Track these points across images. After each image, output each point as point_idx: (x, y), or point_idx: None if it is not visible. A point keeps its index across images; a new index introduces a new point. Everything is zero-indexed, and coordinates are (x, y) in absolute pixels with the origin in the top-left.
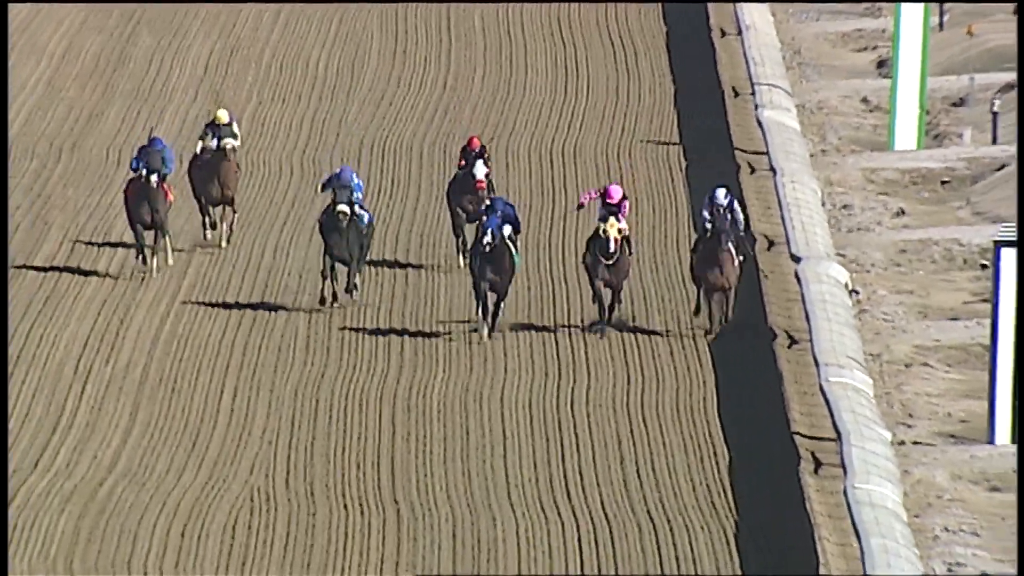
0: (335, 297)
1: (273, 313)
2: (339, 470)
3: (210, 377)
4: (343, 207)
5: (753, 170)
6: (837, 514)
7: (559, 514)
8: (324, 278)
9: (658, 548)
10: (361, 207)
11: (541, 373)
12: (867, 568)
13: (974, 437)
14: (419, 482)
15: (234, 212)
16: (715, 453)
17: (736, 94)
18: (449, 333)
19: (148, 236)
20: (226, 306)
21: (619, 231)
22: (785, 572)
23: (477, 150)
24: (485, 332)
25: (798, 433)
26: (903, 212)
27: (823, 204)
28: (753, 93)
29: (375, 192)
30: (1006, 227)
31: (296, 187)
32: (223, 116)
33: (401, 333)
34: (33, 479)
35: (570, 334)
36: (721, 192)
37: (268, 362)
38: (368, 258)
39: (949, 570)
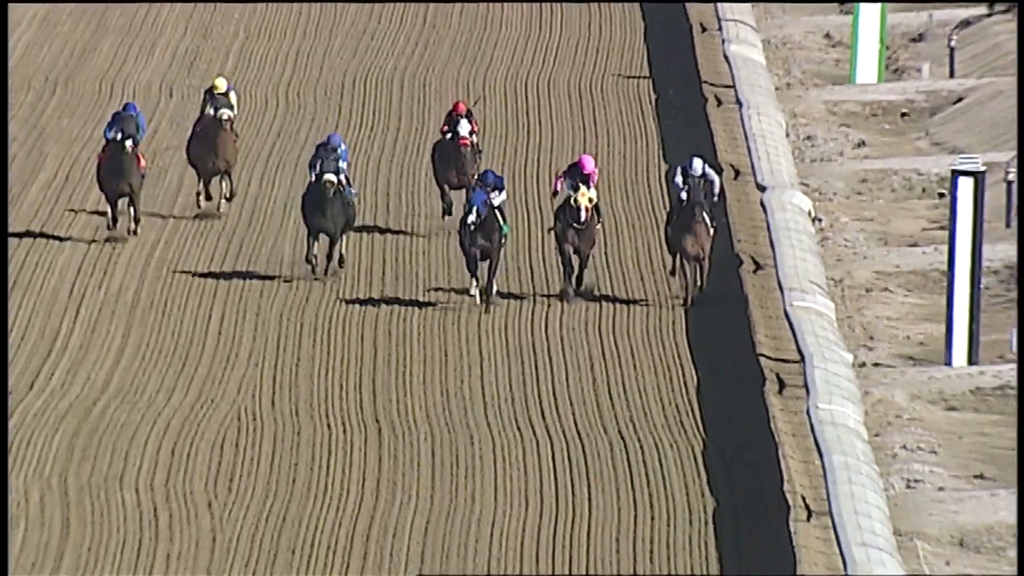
0: (325, 272)
1: (259, 240)
2: (322, 391)
3: (199, 301)
4: (331, 176)
5: (720, 103)
6: (800, 432)
7: (534, 432)
8: (308, 263)
9: (629, 465)
10: (347, 180)
11: (517, 299)
12: (828, 483)
13: (932, 359)
14: (399, 402)
15: (231, 182)
16: (683, 374)
17: (704, 29)
18: (429, 263)
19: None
20: (214, 233)
21: (589, 199)
22: (751, 488)
23: (464, 114)
24: (479, 297)
25: (763, 355)
26: (864, 143)
27: (787, 135)
28: (720, 29)
29: (357, 125)
30: (963, 158)
31: (281, 119)
32: (221, 84)
33: (383, 260)
34: (29, 399)
35: (545, 263)
36: (697, 162)
37: (254, 287)
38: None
39: (908, 486)
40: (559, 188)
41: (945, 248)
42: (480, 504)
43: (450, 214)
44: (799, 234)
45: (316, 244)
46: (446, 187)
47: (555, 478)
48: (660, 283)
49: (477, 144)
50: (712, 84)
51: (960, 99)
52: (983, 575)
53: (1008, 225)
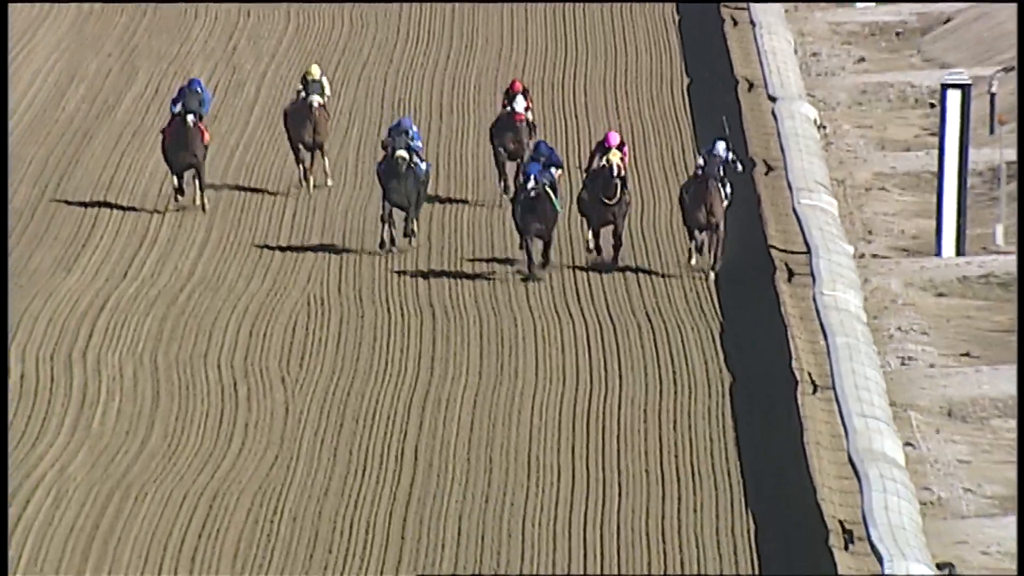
0: (393, 241)
1: (331, 148)
2: (383, 279)
3: (273, 201)
4: (402, 152)
5: (736, 23)
6: (807, 316)
7: (571, 316)
8: (383, 222)
9: (655, 345)
10: (419, 155)
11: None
12: (832, 361)
13: (923, 251)
14: (451, 289)
15: (324, 156)
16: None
17: None
18: (477, 178)
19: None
20: (284, 142)
21: (620, 159)
22: (763, 365)
23: (520, 91)
24: (535, 272)
25: (774, 247)
26: (863, 59)
27: (795, 52)
28: None
29: (410, 42)
30: (952, 72)
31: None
32: (315, 71)
33: (437, 173)
34: (123, 286)
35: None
36: (721, 145)
37: (322, 189)
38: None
39: (902, 363)
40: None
41: (935, 152)
42: (522, 379)
43: (507, 191)
44: (806, 140)
45: (391, 218)
46: (501, 151)
47: (589, 356)
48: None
49: (532, 120)
50: (728, 5)
51: (948, 20)
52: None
53: (992, 132)
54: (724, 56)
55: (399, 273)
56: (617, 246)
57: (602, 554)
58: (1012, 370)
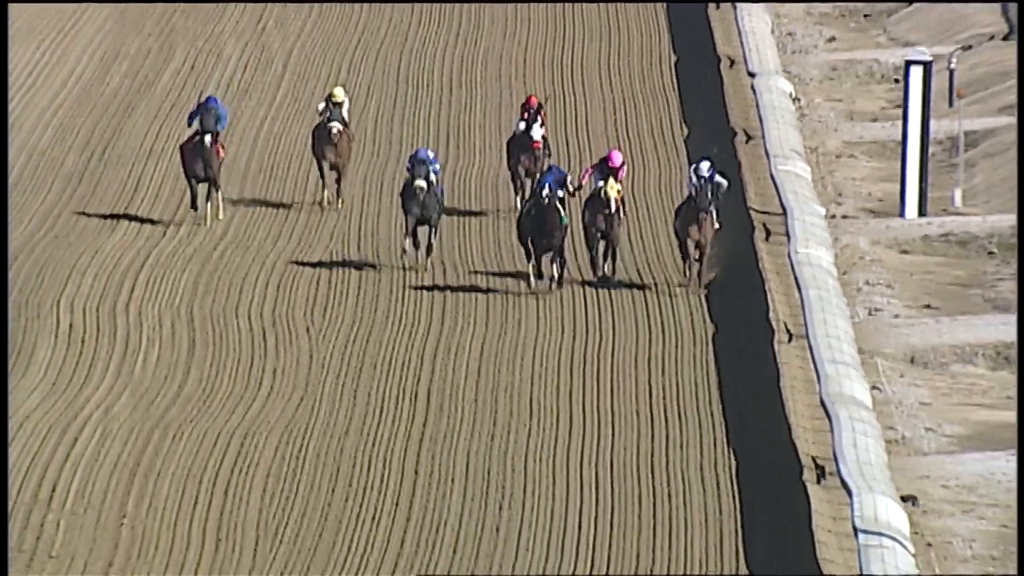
0: (408, 251)
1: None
2: (398, 239)
3: (299, 167)
4: (420, 182)
5: (718, 6)
6: (783, 271)
7: (569, 273)
8: (407, 235)
9: (645, 299)
10: (436, 181)
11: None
12: (805, 312)
13: (889, 212)
14: (462, 249)
15: (343, 178)
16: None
17: None
18: (483, 146)
19: (201, 188)
20: (311, 117)
21: (618, 191)
22: (743, 315)
23: (535, 108)
24: (543, 286)
25: (753, 208)
26: (834, 38)
27: (773, 32)
28: None
29: (423, 24)
30: (914, 50)
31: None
32: (339, 94)
33: (447, 142)
34: (163, 244)
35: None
36: (705, 165)
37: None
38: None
39: (869, 314)
40: (585, 182)
41: (899, 123)
42: (525, 329)
43: (522, 197)
44: (782, 111)
45: (412, 238)
46: (520, 170)
47: (585, 309)
48: (671, 152)
49: (547, 141)
50: None
51: (912, 2)
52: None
53: (951, 105)
54: (708, 36)
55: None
56: (612, 258)
57: (597, 487)
58: (969, 320)
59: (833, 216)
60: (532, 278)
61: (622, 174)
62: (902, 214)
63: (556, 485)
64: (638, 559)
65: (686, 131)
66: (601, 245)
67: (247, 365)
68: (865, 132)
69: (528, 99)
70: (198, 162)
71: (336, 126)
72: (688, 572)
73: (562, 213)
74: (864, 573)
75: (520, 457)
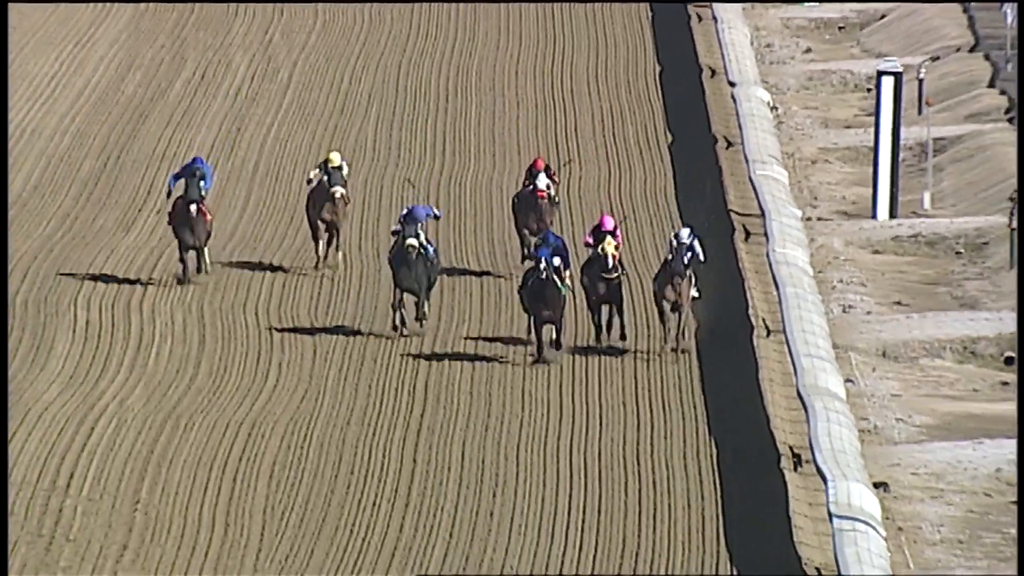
0: (404, 323)
1: (352, 124)
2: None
3: (303, 172)
4: (412, 240)
5: (700, 19)
6: (762, 270)
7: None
8: (394, 309)
9: (631, 296)
10: (428, 240)
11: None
12: (782, 309)
13: (861, 214)
14: (456, 246)
15: (339, 234)
16: (672, 225)
17: None
18: (479, 149)
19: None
20: (314, 121)
21: (615, 247)
22: (723, 311)
23: (541, 170)
24: (543, 354)
25: (733, 211)
26: (810, 50)
27: (752, 44)
28: None
29: (421, 35)
30: (886, 61)
31: (334, 108)
32: (335, 159)
33: (443, 146)
34: (174, 244)
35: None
36: (685, 232)
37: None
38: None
39: (843, 310)
40: (590, 241)
41: (871, 130)
42: (517, 327)
43: (530, 256)
44: (761, 119)
45: (402, 303)
46: (526, 232)
47: (573, 307)
48: (656, 156)
49: (555, 196)
50: (694, 4)
51: (883, 16)
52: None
53: (920, 112)
54: (690, 47)
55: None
56: (621, 324)
57: (585, 474)
58: (937, 316)
59: (809, 218)
60: (537, 348)
61: (618, 236)
62: (874, 216)
63: (547, 473)
64: (624, 542)
65: (670, 138)
66: (604, 311)
67: (254, 359)
68: (839, 139)
69: (534, 162)
70: (186, 230)
71: (340, 190)
72: (671, 554)
73: (560, 285)
74: (838, 555)
75: (513, 446)
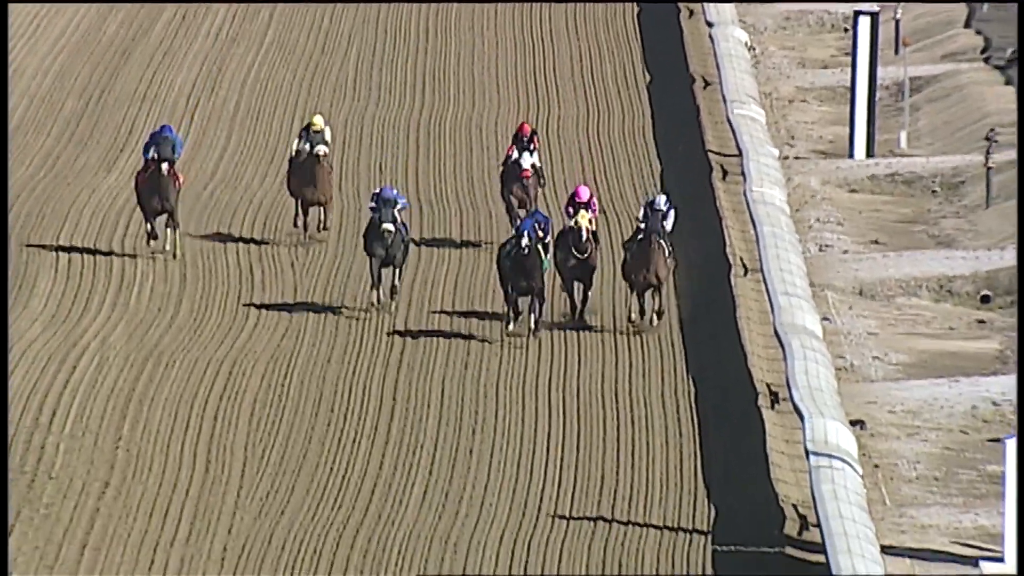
0: (379, 300)
1: (328, 64)
2: (376, 181)
3: (283, 112)
4: (388, 226)
5: None
6: (739, 209)
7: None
8: (373, 286)
9: (608, 233)
10: (401, 221)
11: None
12: (760, 247)
13: (838, 153)
14: (435, 184)
15: (327, 212)
16: (650, 165)
17: None
18: (462, 142)
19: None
20: (293, 65)
21: (589, 221)
22: (701, 250)
23: (528, 135)
24: (512, 327)
25: (711, 151)
26: None
27: None
28: None
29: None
30: (862, 1)
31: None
32: (318, 122)
33: (427, 144)
34: None
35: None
36: (662, 198)
37: (323, 104)
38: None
39: (820, 249)
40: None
41: (848, 69)
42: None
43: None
44: (738, 59)
45: (379, 279)
46: (513, 200)
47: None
48: (634, 96)
49: (540, 170)
50: None
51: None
52: None
53: (897, 52)
54: None
55: (392, 176)
56: (584, 301)
57: (564, 412)
58: (914, 255)
59: (786, 157)
60: (509, 320)
61: (594, 207)
62: (851, 155)
63: (526, 410)
64: (603, 479)
65: (648, 77)
66: (577, 287)
67: (235, 298)
68: (816, 78)
69: (520, 127)
70: (155, 196)
71: (323, 149)
72: (649, 491)
73: (543, 258)
74: (815, 492)
75: (492, 384)
